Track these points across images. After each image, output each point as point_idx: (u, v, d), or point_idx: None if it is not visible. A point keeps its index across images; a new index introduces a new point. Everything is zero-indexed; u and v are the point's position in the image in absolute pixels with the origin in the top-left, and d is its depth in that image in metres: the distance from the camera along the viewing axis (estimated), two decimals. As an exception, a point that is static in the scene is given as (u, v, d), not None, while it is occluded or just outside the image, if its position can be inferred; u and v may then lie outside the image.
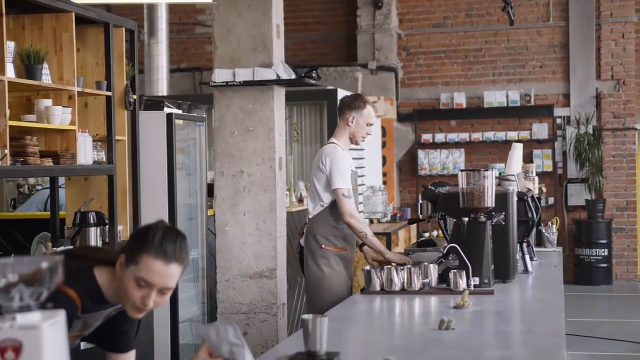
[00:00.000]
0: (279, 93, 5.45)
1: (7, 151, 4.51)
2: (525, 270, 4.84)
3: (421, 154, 12.35)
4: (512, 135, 12.00)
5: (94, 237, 5.34)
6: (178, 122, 6.23)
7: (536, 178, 6.65)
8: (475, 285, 4.13)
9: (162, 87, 10.83)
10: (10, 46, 4.68)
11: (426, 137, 12.34)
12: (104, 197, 5.57)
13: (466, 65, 12.42)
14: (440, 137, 12.29)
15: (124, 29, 5.80)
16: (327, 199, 4.86)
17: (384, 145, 11.60)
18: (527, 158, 11.66)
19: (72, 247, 4.55)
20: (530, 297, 4.44)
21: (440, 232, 5.45)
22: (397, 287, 4.11)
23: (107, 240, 5.49)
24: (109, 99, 5.52)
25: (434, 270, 4.21)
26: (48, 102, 5.01)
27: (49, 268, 1.72)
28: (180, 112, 6.51)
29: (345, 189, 4.79)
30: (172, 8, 12.10)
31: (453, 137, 12.26)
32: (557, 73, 12.21)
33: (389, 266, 4.21)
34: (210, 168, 7.65)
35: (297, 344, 2.71)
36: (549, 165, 12.05)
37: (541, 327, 3.39)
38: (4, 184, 8.90)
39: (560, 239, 11.31)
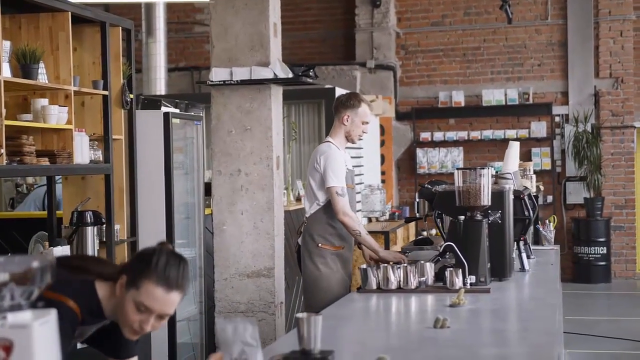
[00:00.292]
0: (277, 92, 5.45)
1: (3, 151, 4.50)
2: (522, 269, 4.84)
3: (420, 152, 12.35)
4: (511, 133, 12.00)
5: (91, 236, 5.34)
6: (175, 121, 6.23)
7: (534, 176, 6.64)
8: (471, 284, 4.13)
9: (160, 87, 10.83)
10: (6, 45, 4.68)
11: (425, 135, 12.34)
12: (101, 196, 5.57)
13: (465, 63, 12.42)
14: (438, 135, 12.29)
15: (120, 28, 5.80)
16: (322, 197, 4.86)
17: (382, 143, 11.61)
18: (526, 156, 11.66)
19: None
20: (527, 295, 4.44)
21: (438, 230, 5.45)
22: (394, 286, 4.12)
23: (104, 239, 5.49)
24: (105, 98, 5.52)
25: (430, 269, 4.21)
26: (44, 101, 5.00)
27: (40, 268, 1.72)
28: (177, 111, 6.51)
29: (339, 187, 4.78)
30: (170, 7, 12.11)
31: (452, 135, 12.26)
32: (555, 71, 12.21)
33: (386, 265, 4.21)
34: (208, 167, 7.65)
35: (292, 343, 2.71)
36: (548, 163, 12.05)
37: (536, 325, 3.39)
38: (2, 183, 8.91)
39: (559, 237, 11.32)
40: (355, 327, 3.58)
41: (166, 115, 6.15)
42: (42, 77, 4.93)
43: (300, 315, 2.55)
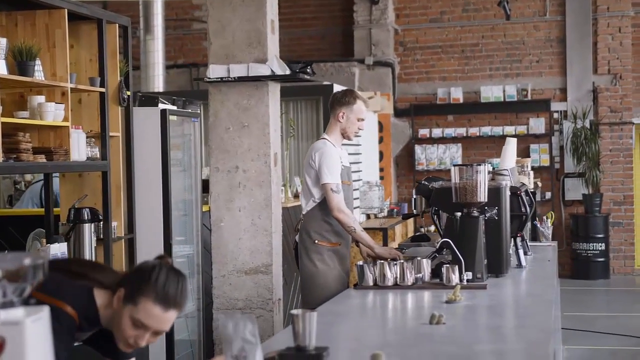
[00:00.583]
0: (274, 89, 5.45)
1: (-1, 148, 4.51)
2: (519, 265, 4.84)
3: (418, 149, 12.34)
4: (509, 130, 11.99)
5: (89, 233, 5.34)
6: (172, 118, 6.23)
7: (531, 173, 6.64)
8: (468, 280, 4.13)
9: (158, 84, 10.82)
10: (2, 43, 4.67)
11: (423, 132, 12.34)
12: (98, 193, 5.57)
13: (463, 60, 12.41)
14: (437, 132, 12.28)
15: (117, 25, 5.80)
16: (318, 194, 4.86)
17: (381, 140, 11.60)
18: (524, 153, 11.66)
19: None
20: (523, 291, 4.44)
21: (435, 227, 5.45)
22: (390, 282, 4.12)
23: (101, 236, 5.49)
24: (102, 95, 5.51)
25: (427, 265, 4.21)
26: (41, 98, 5.00)
27: (32, 265, 1.72)
28: (174, 108, 6.50)
29: (333, 184, 4.78)
30: (168, 4, 12.10)
31: (450, 132, 12.25)
32: (554, 67, 12.21)
33: (382, 261, 4.21)
34: (206, 164, 7.65)
35: (287, 340, 2.71)
36: (546, 159, 12.05)
37: (532, 322, 3.39)
38: (0, 181, 8.90)
39: (558, 233, 11.33)
40: (351, 324, 3.58)
41: (163, 112, 6.15)
42: (39, 74, 4.93)
43: (294, 311, 2.55)
